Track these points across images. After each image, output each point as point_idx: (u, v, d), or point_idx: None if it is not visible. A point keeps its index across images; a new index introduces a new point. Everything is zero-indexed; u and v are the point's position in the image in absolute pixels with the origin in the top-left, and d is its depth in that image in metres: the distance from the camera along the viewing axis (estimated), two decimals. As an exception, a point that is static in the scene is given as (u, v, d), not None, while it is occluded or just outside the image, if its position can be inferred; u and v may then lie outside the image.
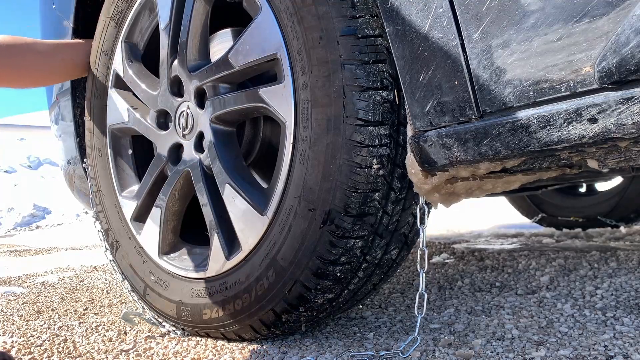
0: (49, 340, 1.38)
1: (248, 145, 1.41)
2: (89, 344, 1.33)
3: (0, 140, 13.09)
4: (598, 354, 1.07)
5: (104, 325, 1.54)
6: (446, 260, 2.31)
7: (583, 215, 3.11)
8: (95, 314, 1.71)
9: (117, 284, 2.25)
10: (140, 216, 1.52)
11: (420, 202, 1.11)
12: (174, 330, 1.41)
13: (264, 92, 1.18)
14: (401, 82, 1.00)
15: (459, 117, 0.93)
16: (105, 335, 1.41)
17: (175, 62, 1.41)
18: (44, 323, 1.59)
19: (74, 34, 1.75)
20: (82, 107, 1.80)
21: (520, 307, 1.44)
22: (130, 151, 1.64)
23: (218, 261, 1.27)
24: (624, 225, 3.00)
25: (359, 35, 1.05)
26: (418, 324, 1.10)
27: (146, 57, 1.59)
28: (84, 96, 1.72)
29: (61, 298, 2.00)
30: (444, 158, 0.97)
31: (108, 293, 2.06)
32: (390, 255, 1.20)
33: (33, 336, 1.44)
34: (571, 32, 0.79)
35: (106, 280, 2.37)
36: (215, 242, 1.29)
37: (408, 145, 1.02)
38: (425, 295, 1.10)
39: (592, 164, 0.89)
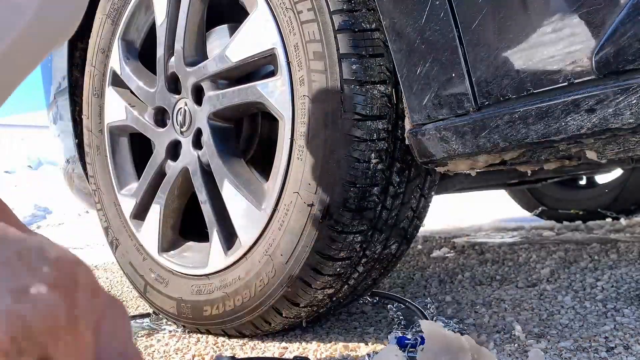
0: (49, 339, 1.37)
1: (246, 142, 1.41)
2: (90, 342, 1.33)
3: (0, 140, 13.10)
4: (599, 345, 1.07)
5: (104, 323, 1.54)
6: (446, 255, 2.31)
7: (583, 208, 3.11)
8: (96, 312, 1.71)
9: (118, 282, 2.25)
10: (140, 214, 1.52)
11: None
12: (174, 330, 1.41)
13: (261, 87, 1.18)
14: (399, 76, 1.00)
15: (456, 109, 0.92)
16: (106, 334, 1.41)
17: (172, 59, 1.40)
18: (45, 322, 1.59)
19: (71, 32, 1.75)
20: (80, 105, 1.80)
21: (521, 300, 1.44)
22: (129, 149, 1.63)
23: (217, 258, 1.27)
24: (624, 218, 3.00)
25: (356, 29, 1.05)
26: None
27: (143, 54, 1.58)
28: (82, 95, 1.72)
29: (62, 297, 2.00)
30: (442, 151, 0.97)
31: (109, 291, 2.06)
32: (390, 249, 1.20)
33: (34, 335, 1.43)
34: (569, 23, 0.78)
35: (107, 279, 2.37)
36: (215, 239, 1.28)
37: (406, 137, 1.02)
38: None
39: (591, 155, 0.89)
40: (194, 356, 1.18)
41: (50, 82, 2.00)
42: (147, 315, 1.49)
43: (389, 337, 1.09)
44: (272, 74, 1.21)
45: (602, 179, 3.17)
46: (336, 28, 1.04)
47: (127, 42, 1.57)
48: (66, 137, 1.87)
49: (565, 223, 3.21)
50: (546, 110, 0.83)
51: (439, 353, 0.84)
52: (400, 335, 1.08)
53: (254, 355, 1.16)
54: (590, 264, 1.83)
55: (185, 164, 1.38)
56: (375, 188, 1.08)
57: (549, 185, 3.15)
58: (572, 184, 3.21)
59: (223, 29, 1.45)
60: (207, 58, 1.33)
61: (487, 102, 0.89)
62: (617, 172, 2.97)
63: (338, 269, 1.12)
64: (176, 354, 1.20)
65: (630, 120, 0.76)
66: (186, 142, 1.39)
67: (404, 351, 1.03)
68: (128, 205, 1.55)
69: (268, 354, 1.15)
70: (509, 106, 0.87)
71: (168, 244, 1.46)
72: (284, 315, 1.19)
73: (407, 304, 1.35)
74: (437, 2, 0.90)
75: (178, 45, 1.37)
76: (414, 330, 1.19)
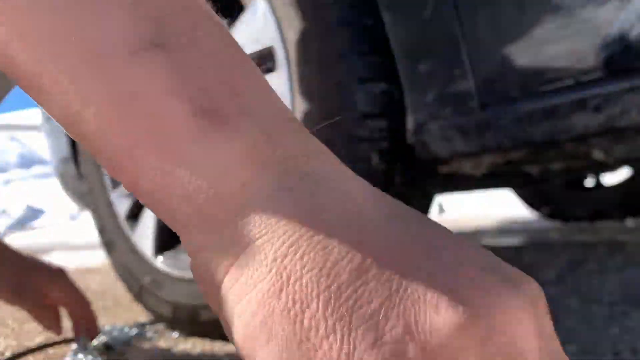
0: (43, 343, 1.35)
1: (244, 141, 1.39)
2: (84, 346, 1.31)
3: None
4: (605, 349, 1.05)
5: (99, 327, 1.52)
6: (450, 256, 2.28)
7: (590, 209, 3.08)
8: (92, 315, 1.69)
9: (111, 286, 2.23)
10: (135, 215, 1.50)
11: None
12: (170, 334, 1.39)
13: (259, 85, 1.15)
14: (400, 74, 0.97)
15: (460, 108, 0.90)
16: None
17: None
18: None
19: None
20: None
21: (526, 304, 1.42)
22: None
23: (214, 260, 1.25)
24: (632, 219, 2.97)
25: (357, 26, 1.02)
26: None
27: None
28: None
29: (58, 299, 1.98)
30: (446, 151, 0.95)
31: (103, 295, 2.04)
32: (391, 251, 1.17)
33: (27, 339, 1.42)
34: (575, 20, 0.76)
35: (101, 281, 2.35)
36: (212, 241, 1.26)
37: (408, 136, 1.00)
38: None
39: (598, 154, 0.87)
40: (189, 361, 1.16)
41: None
42: (144, 324, 1.47)
43: None
44: (270, 70, 1.18)
45: (609, 179, 3.15)
46: (336, 24, 1.02)
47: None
48: (59, 136, 1.85)
49: (572, 224, 3.19)
50: (552, 109, 0.80)
51: None
52: None
53: None
54: (597, 267, 1.81)
55: (182, 164, 1.36)
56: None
57: (556, 185, 3.13)
58: (579, 184, 3.19)
59: (221, 25, 1.43)
60: (204, 55, 1.31)
61: (491, 101, 0.86)
62: (625, 173, 2.95)
63: (337, 272, 1.10)
64: (172, 357, 1.18)
65: (638, 119, 0.74)
66: (183, 142, 1.37)
67: None
68: (123, 205, 1.52)
69: (265, 359, 1.12)
70: (513, 105, 0.84)
71: (163, 246, 1.43)
72: (282, 319, 1.16)
73: None
74: (440, -2, 0.88)
75: (175, 43, 1.35)
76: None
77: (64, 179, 1.92)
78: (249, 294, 0.25)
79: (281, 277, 0.24)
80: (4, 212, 7.62)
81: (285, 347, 0.23)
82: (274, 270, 0.24)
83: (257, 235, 0.25)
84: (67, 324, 1.57)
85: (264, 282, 0.24)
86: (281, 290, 0.24)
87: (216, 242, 0.26)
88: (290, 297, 0.23)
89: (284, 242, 0.24)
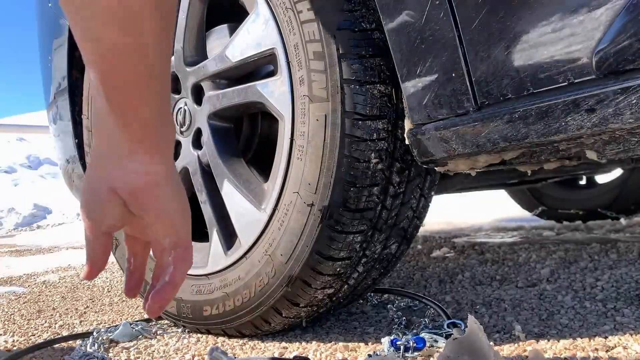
0: (49, 340, 1.37)
1: (246, 142, 1.41)
2: (90, 342, 1.33)
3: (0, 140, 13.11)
4: (598, 345, 1.07)
5: (105, 323, 1.54)
6: (446, 255, 2.31)
7: (583, 208, 3.10)
8: (96, 312, 1.71)
9: (117, 282, 2.25)
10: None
11: None
12: (174, 330, 1.41)
13: (261, 87, 1.18)
14: (398, 76, 0.99)
15: (456, 109, 0.92)
16: (106, 333, 1.41)
17: (172, 58, 1.40)
18: (45, 322, 1.59)
19: (70, 32, 1.75)
20: (80, 105, 1.79)
21: (521, 300, 1.44)
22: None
23: (217, 258, 1.27)
24: (624, 217, 3.00)
25: (356, 29, 1.05)
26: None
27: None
28: (82, 95, 1.72)
29: (62, 297, 2.00)
30: (442, 151, 0.97)
31: (109, 292, 2.06)
32: (389, 249, 1.20)
33: (34, 335, 1.43)
34: (569, 23, 0.78)
35: (107, 278, 2.36)
36: (215, 239, 1.28)
37: (406, 137, 1.02)
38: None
39: (591, 155, 0.89)
40: (193, 356, 1.18)
41: (50, 82, 1.99)
42: (149, 320, 1.49)
43: (382, 341, 1.09)
44: (272, 73, 1.20)
45: (602, 178, 3.17)
46: (336, 28, 1.04)
47: (127, 42, 1.57)
48: (66, 136, 1.87)
49: (565, 223, 3.21)
50: (546, 110, 0.82)
51: (465, 351, 0.83)
52: (393, 337, 1.08)
53: (253, 355, 1.16)
54: (590, 264, 1.83)
55: (185, 164, 1.38)
56: (375, 188, 1.08)
57: (549, 185, 3.15)
58: (572, 183, 3.21)
59: (223, 28, 1.45)
60: (207, 58, 1.33)
61: (487, 102, 0.89)
62: (617, 172, 2.97)
63: (338, 269, 1.12)
64: (176, 353, 1.20)
65: (630, 120, 0.75)
66: (186, 142, 1.39)
67: (398, 355, 1.03)
68: (128, 205, 1.54)
69: (268, 354, 1.15)
70: (509, 106, 0.87)
71: (168, 244, 1.45)
72: (283, 315, 1.18)
73: (434, 304, 1.33)
74: (437, 2, 0.90)
75: (178, 45, 1.37)
76: (414, 331, 1.19)
77: (70, 178, 1.94)
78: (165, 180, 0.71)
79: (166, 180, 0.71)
80: (12, 210, 7.62)
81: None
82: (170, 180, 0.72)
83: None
84: (70, 321, 1.59)
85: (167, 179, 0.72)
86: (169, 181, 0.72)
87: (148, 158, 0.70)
88: (170, 185, 0.72)
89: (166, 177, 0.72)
